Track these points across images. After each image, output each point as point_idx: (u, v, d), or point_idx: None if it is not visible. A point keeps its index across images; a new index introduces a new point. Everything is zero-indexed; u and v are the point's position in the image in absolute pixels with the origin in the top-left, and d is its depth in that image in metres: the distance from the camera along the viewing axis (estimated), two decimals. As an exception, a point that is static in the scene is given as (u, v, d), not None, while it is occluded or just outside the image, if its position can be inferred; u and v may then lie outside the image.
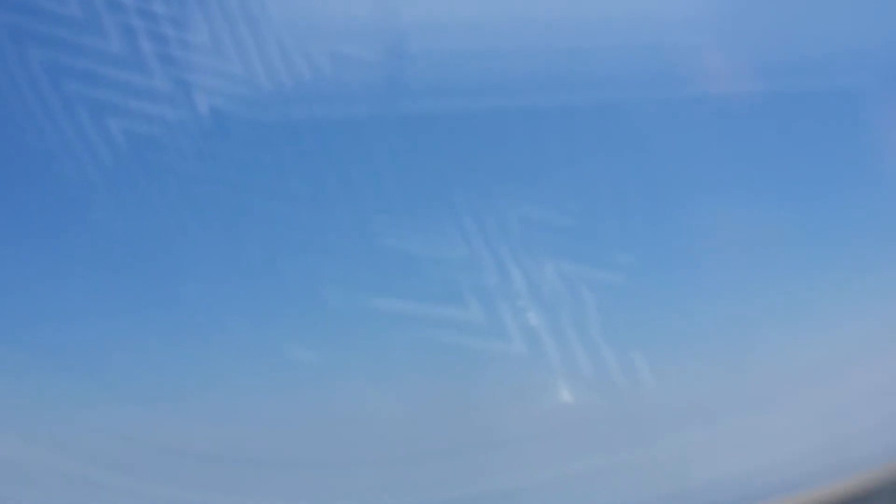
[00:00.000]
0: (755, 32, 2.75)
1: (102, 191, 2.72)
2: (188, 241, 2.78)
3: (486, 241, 2.74)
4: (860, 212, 2.78)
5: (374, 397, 2.76)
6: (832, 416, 2.67)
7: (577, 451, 2.69)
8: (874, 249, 2.74)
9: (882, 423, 2.62)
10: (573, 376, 2.70)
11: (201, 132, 2.73)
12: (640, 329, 2.72)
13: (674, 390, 2.70)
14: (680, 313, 2.74)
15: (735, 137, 2.79)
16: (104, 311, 2.74)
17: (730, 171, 2.81)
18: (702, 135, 2.78)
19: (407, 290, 2.73)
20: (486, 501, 2.73)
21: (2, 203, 2.74)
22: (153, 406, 2.71)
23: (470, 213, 2.73)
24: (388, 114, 2.73)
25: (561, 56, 2.71)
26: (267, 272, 2.76)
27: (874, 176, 2.80)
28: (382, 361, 2.75)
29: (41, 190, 2.73)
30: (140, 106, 2.70)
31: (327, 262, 2.76)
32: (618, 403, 2.69)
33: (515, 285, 2.73)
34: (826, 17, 2.76)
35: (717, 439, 2.67)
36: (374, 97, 2.71)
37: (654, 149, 2.78)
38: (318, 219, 2.77)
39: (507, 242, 2.73)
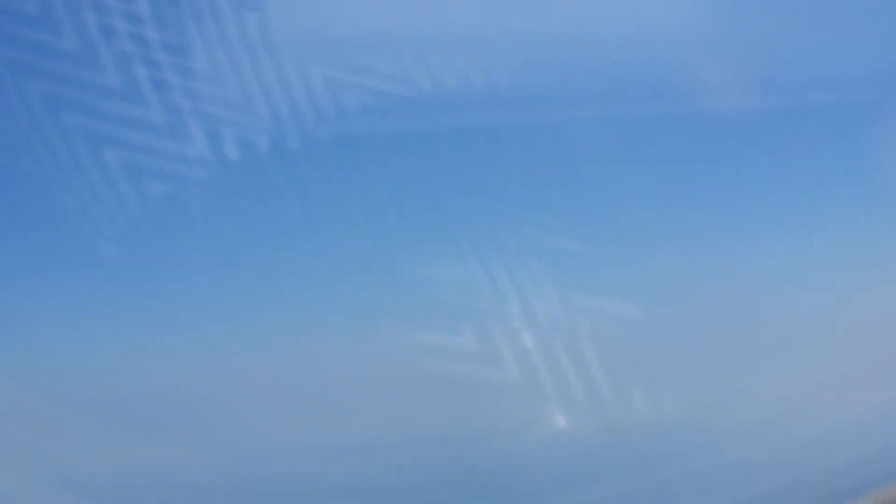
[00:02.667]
0: (757, 47, 2.74)
1: (106, 224, 2.74)
2: (192, 269, 2.81)
3: (482, 266, 2.73)
4: (871, 238, 2.74)
5: (372, 426, 2.76)
6: (832, 444, 2.64)
7: (574, 481, 2.67)
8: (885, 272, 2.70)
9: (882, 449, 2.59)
10: (569, 404, 2.69)
11: (202, 162, 2.75)
12: (637, 357, 2.70)
13: (671, 419, 2.68)
14: (678, 340, 2.71)
15: (745, 154, 2.77)
16: (113, 347, 2.77)
17: (740, 190, 2.78)
18: (709, 151, 2.76)
19: (404, 316, 2.74)
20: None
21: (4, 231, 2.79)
22: (169, 443, 2.72)
23: (467, 236, 2.73)
24: (386, 136, 2.74)
25: (566, 71, 2.71)
26: (266, 300, 2.78)
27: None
28: (380, 388, 2.75)
29: (43, 221, 2.77)
30: (140, 136, 2.73)
31: (326, 289, 2.77)
32: (614, 432, 2.68)
33: (512, 312, 2.72)
34: (828, 32, 2.74)
35: (714, 469, 2.65)
36: (372, 119, 2.72)
37: (661, 168, 2.77)
38: (314, 245, 2.78)
39: (505, 268, 2.73)
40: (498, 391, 2.72)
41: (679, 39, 2.68)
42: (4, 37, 2.66)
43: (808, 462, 2.63)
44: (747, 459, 2.63)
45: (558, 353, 2.70)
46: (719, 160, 2.76)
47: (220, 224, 2.79)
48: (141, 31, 2.70)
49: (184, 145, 2.72)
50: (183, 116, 2.72)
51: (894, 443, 2.61)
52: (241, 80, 2.72)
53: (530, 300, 2.72)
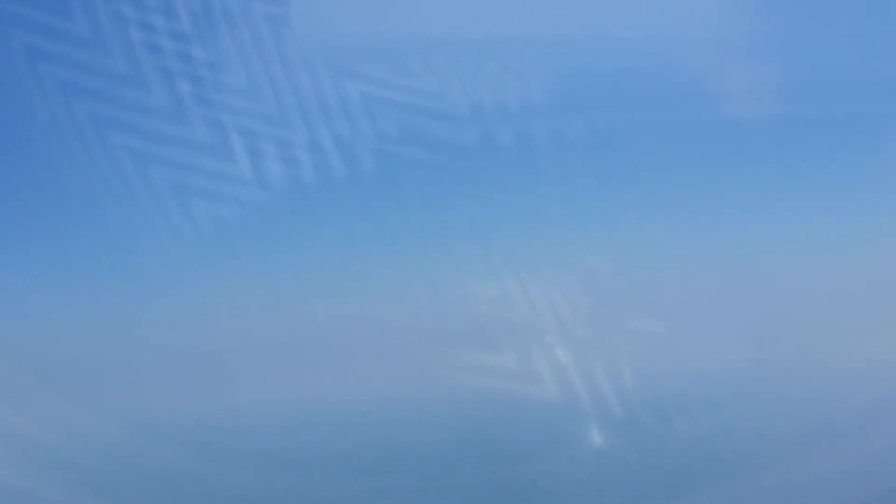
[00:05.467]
0: (775, 56, 2.72)
1: (149, 238, 2.79)
2: (233, 285, 2.85)
3: (517, 281, 2.73)
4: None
5: (407, 442, 2.77)
6: (872, 460, 2.58)
7: (610, 497, 2.65)
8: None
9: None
10: (606, 421, 2.67)
11: (243, 179, 2.80)
12: (673, 374, 2.68)
13: (707, 438, 2.65)
14: (714, 356, 2.69)
15: (786, 164, 2.74)
16: (135, 354, 2.82)
17: (777, 203, 2.76)
18: (748, 161, 2.74)
19: (438, 332, 2.75)
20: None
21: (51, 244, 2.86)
22: (190, 450, 2.75)
23: (501, 251, 2.74)
24: (419, 149, 2.77)
25: (600, 80, 2.71)
26: (298, 312, 2.81)
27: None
28: (415, 405, 2.76)
29: (82, 229, 2.84)
30: (179, 154, 2.79)
31: (358, 304, 2.79)
32: (651, 450, 2.65)
33: (548, 329, 2.72)
34: (845, 41, 2.72)
35: (752, 488, 2.60)
36: (407, 135, 2.75)
37: (698, 182, 2.76)
38: (353, 262, 2.81)
39: (539, 284, 2.73)
40: (535, 407, 2.71)
41: (711, 49, 2.68)
42: (54, 57, 2.75)
43: (845, 484, 2.57)
44: (788, 481, 2.58)
45: (595, 370, 2.69)
46: (758, 170, 2.74)
47: (259, 240, 2.84)
48: (185, 49, 2.77)
49: (224, 162, 2.78)
50: (224, 132, 2.78)
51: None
52: (278, 95, 2.77)
53: (567, 317, 2.72)
